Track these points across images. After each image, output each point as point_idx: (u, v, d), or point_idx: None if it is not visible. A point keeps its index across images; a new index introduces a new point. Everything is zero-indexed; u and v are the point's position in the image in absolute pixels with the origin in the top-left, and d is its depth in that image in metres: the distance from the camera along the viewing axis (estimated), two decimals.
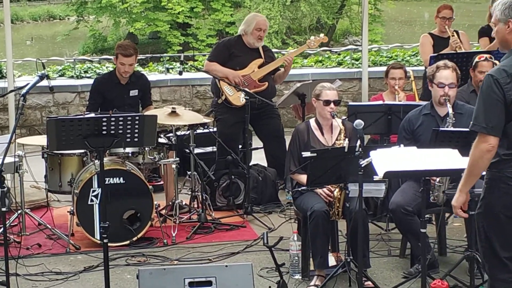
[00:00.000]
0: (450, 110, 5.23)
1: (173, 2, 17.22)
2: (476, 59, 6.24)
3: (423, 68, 7.62)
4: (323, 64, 10.64)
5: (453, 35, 7.09)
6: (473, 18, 20.35)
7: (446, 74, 5.30)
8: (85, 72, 9.97)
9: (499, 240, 3.74)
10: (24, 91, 4.80)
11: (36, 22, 28.43)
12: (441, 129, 5.09)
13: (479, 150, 3.65)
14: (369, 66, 8.89)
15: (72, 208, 5.85)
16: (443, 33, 7.23)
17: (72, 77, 9.93)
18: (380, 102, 6.36)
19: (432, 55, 6.79)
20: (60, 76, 10.02)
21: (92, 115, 5.74)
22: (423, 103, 5.67)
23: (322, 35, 7.37)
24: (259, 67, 7.03)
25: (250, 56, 7.02)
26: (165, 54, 12.22)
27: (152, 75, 9.87)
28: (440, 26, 7.29)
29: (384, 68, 6.98)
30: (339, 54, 11.02)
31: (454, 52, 6.90)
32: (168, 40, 17.51)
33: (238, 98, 6.85)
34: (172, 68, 10.23)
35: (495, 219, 3.73)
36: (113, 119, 4.62)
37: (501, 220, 3.71)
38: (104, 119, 4.61)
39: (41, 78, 5.01)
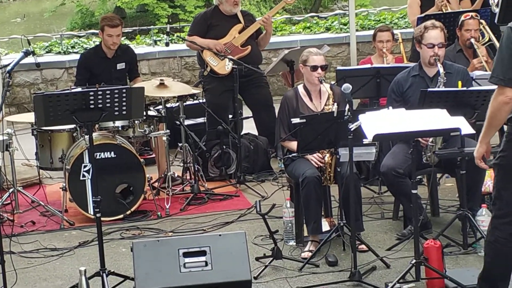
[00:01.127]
0: (441, 70, 5.20)
1: None
2: (462, 18, 6.21)
3: (412, 30, 7.56)
4: (311, 30, 10.58)
5: None
6: None
7: (435, 34, 5.26)
8: (72, 47, 9.90)
9: (507, 191, 3.72)
10: (9, 68, 4.77)
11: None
12: (429, 89, 5.07)
13: (497, 102, 3.62)
14: (357, 30, 8.83)
15: (64, 184, 5.85)
16: None
17: (59, 53, 9.86)
18: (368, 65, 6.33)
19: (419, 16, 6.75)
20: (47, 52, 9.95)
21: (79, 89, 5.69)
22: (412, 64, 5.65)
23: None
24: (240, 32, 6.98)
25: (229, 23, 6.96)
26: (153, 27, 12.11)
27: (140, 48, 9.80)
28: None
29: (372, 32, 6.94)
30: (327, 20, 10.94)
31: (441, 12, 6.85)
32: (156, 12, 17.31)
33: (224, 67, 6.80)
34: (159, 40, 10.16)
35: (510, 172, 3.70)
36: (100, 92, 4.58)
37: None
38: (91, 93, 4.57)
39: (26, 54, 4.98)
